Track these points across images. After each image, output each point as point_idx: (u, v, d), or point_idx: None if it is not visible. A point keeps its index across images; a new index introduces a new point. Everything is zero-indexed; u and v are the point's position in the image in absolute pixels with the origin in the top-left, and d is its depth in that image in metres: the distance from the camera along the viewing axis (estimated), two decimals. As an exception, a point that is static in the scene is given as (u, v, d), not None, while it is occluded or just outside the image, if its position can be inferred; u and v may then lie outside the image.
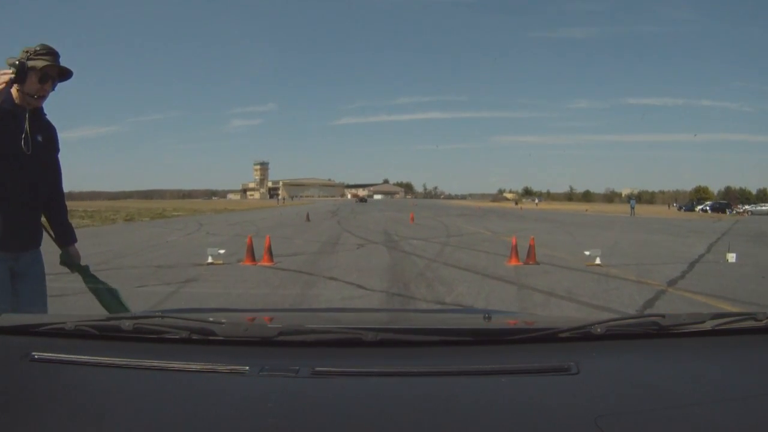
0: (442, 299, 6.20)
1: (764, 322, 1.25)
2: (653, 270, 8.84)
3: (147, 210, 40.22)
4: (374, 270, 8.44)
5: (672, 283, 7.52)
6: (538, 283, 7.26)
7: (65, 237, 2.66)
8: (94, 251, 11.34)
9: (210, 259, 9.02)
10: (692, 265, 9.69)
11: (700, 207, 55.77)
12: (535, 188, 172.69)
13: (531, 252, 9.41)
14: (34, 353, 1.12)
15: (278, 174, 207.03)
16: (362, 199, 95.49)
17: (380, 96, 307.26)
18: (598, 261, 9.12)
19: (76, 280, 2.63)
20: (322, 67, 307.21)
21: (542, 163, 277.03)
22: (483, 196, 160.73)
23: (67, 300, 5.88)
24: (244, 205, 62.31)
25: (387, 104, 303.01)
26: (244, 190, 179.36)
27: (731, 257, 9.81)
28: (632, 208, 42.29)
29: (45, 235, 2.55)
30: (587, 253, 9.33)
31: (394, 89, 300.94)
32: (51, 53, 2.30)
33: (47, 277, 2.50)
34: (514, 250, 9.47)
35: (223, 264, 8.94)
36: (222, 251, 9.44)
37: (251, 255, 9.11)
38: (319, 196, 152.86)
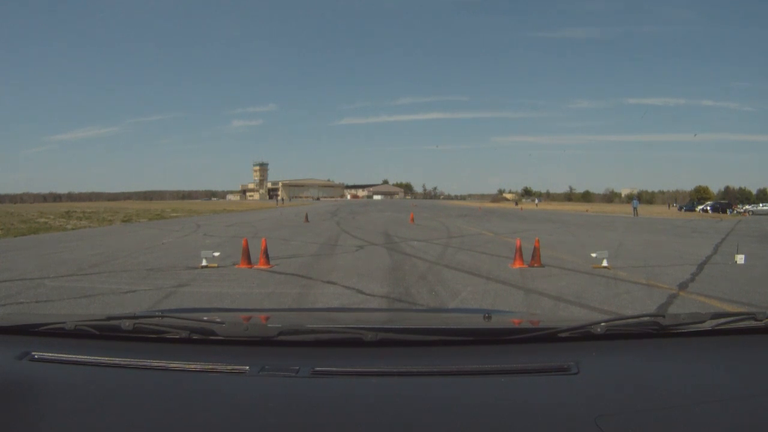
0: (446, 305, 5.94)
1: (764, 322, 1.24)
2: (662, 272, 8.58)
3: (146, 211, 39.99)
4: (374, 273, 8.17)
5: (683, 286, 7.26)
6: (545, 287, 6.98)
7: None
8: (88, 253, 11.11)
9: (204, 262, 8.75)
10: (701, 266, 9.44)
11: (700, 207, 55.18)
12: (535, 188, 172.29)
13: (536, 254, 9.13)
14: (34, 353, 1.12)
15: (278, 175, 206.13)
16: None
17: (380, 96, 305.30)
18: (605, 263, 8.84)
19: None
20: (322, 67, 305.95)
21: (542, 163, 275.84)
22: (483, 197, 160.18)
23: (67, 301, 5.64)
24: (244, 206, 62.00)
25: (387, 104, 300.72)
26: (244, 191, 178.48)
27: (740, 258, 9.65)
28: (635, 207, 42.03)
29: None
30: (594, 255, 9.04)
31: (395, 89, 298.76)
32: None
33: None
34: (518, 252, 9.20)
35: (217, 267, 8.66)
36: (217, 254, 9.17)
37: (247, 258, 8.83)
38: (318, 197, 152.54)
